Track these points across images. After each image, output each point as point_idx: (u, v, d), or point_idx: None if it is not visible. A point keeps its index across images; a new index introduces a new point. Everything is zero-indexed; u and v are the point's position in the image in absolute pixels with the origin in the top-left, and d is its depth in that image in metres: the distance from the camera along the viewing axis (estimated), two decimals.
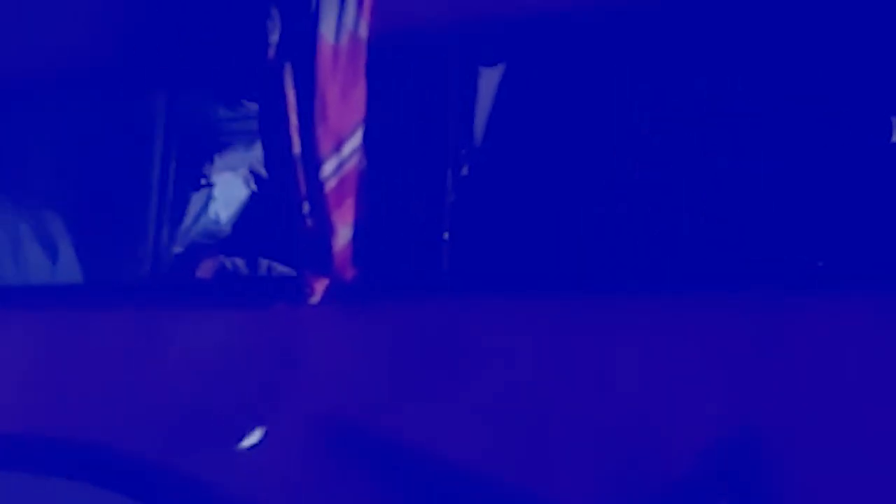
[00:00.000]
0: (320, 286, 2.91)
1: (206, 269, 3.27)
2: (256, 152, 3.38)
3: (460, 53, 2.87)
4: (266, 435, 2.91)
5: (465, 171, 2.93)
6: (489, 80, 2.88)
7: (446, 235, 2.88)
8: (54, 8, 3.32)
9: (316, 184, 2.85)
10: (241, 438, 2.93)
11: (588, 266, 2.73)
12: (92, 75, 3.29)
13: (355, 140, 2.86)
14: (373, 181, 2.89)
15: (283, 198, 2.92)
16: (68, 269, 3.52)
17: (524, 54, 2.84)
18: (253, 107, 3.23)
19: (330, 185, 2.85)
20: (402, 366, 2.85)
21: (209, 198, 3.61)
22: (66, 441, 3.12)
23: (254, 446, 2.92)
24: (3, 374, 3.24)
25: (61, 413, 3.18)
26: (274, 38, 2.86)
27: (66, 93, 3.40)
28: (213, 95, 3.45)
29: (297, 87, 2.85)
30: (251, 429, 2.93)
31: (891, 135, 2.57)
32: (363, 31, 2.83)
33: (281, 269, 3.18)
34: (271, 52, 2.87)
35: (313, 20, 2.82)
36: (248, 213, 3.58)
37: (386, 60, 2.85)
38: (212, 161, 3.63)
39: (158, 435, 3.06)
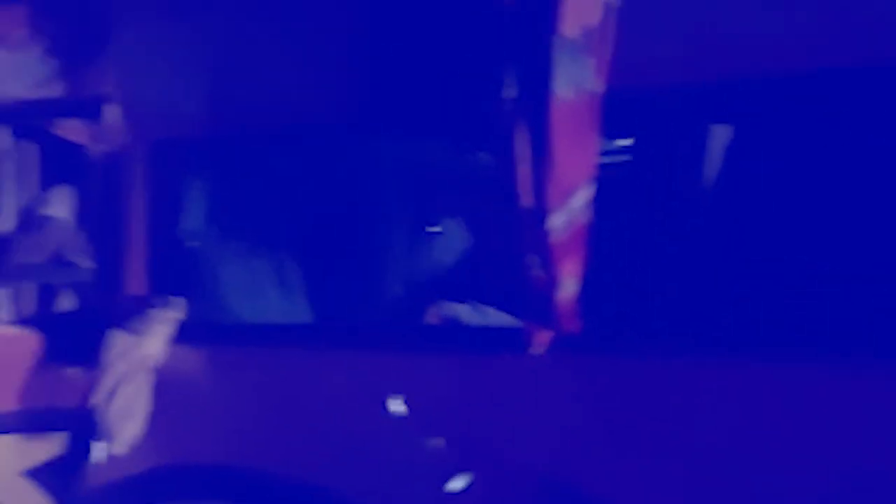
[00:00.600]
0: (545, 338, 2.94)
1: (432, 316, 3.33)
2: (483, 201, 3.44)
3: (701, 110, 2.85)
4: (477, 483, 2.94)
5: (698, 230, 2.90)
6: (731, 138, 2.85)
7: (676, 294, 2.86)
8: (349, 56, 3.34)
9: (543, 236, 2.87)
10: (455, 486, 2.97)
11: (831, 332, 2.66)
12: (326, 122, 3.38)
13: (585, 194, 2.86)
14: (602, 236, 2.89)
15: (510, 248, 2.95)
16: (298, 309, 3.63)
17: (765, 112, 2.79)
18: (483, 156, 3.28)
19: (558, 237, 2.86)
20: (624, 422, 2.84)
21: (437, 245, 3.69)
22: (294, 480, 3.22)
23: (462, 493, 2.95)
24: (240, 412, 3.36)
25: (281, 451, 3.28)
26: (508, 91, 2.90)
27: (303, 138, 3.50)
28: (443, 144, 3.52)
29: (528, 139, 2.87)
30: (466, 477, 2.96)
31: None
32: (598, 87, 2.84)
33: (505, 318, 3.21)
34: (504, 105, 2.90)
35: (547, 75, 2.84)
36: (474, 262, 3.62)
37: (623, 116, 2.86)
38: (439, 208, 3.70)
39: (373, 479, 3.12)
